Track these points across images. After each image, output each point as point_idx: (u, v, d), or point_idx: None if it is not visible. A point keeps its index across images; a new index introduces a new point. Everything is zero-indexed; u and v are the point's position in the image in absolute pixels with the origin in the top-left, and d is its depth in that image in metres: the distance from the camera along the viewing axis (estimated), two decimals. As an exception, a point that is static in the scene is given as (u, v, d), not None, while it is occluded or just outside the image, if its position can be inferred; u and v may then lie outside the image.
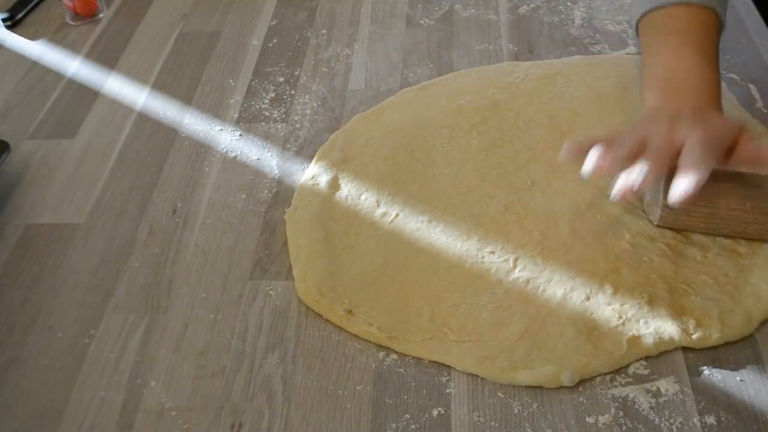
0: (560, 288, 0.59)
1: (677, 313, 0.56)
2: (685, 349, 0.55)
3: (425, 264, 0.62)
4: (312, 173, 0.71)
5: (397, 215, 0.66)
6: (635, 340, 0.55)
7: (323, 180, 0.70)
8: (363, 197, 0.68)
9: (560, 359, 0.54)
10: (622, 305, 0.57)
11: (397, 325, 0.58)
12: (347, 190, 0.69)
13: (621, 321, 0.56)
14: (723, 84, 0.78)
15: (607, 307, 0.57)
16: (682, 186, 0.54)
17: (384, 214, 0.66)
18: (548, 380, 0.54)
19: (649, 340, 0.55)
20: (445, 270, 0.62)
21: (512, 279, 0.60)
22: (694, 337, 0.55)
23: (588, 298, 0.58)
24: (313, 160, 0.73)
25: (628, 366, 0.55)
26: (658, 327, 0.55)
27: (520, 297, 0.59)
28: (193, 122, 0.80)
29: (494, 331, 0.57)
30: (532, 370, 0.54)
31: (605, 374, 0.54)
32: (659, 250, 0.61)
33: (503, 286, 0.60)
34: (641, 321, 0.56)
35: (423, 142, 0.73)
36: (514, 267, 0.61)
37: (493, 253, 0.62)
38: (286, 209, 0.69)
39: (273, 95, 0.83)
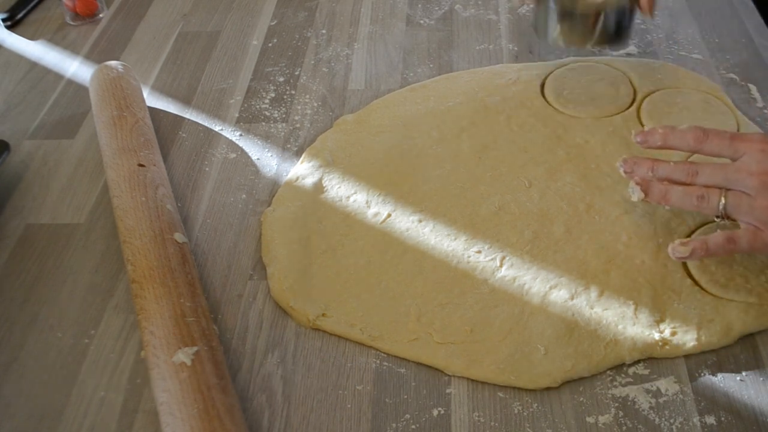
0: (545, 286, 0.59)
1: (657, 320, 0.56)
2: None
3: (412, 264, 0.62)
4: (297, 174, 0.71)
5: (389, 215, 0.66)
6: (612, 345, 0.55)
7: (309, 181, 0.70)
8: (352, 198, 0.68)
9: (540, 362, 0.54)
10: (604, 309, 0.57)
11: (381, 326, 0.58)
12: (335, 191, 0.69)
13: (600, 325, 0.56)
14: (721, 84, 0.78)
15: (589, 310, 0.57)
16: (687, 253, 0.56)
17: (375, 215, 0.66)
18: (527, 385, 0.54)
19: (623, 347, 0.55)
20: (432, 270, 0.61)
21: (498, 277, 0.60)
22: (666, 347, 0.54)
23: (572, 298, 0.58)
24: (300, 161, 0.73)
25: (628, 366, 0.55)
26: (635, 334, 0.55)
27: (505, 296, 0.59)
28: (193, 122, 0.80)
29: (479, 332, 0.57)
30: (511, 376, 0.54)
31: (605, 374, 0.54)
32: (654, 252, 0.60)
33: (489, 285, 0.60)
34: (620, 326, 0.56)
35: (412, 144, 0.73)
36: (501, 265, 0.61)
37: (479, 252, 0.62)
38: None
39: (273, 95, 0.83)
